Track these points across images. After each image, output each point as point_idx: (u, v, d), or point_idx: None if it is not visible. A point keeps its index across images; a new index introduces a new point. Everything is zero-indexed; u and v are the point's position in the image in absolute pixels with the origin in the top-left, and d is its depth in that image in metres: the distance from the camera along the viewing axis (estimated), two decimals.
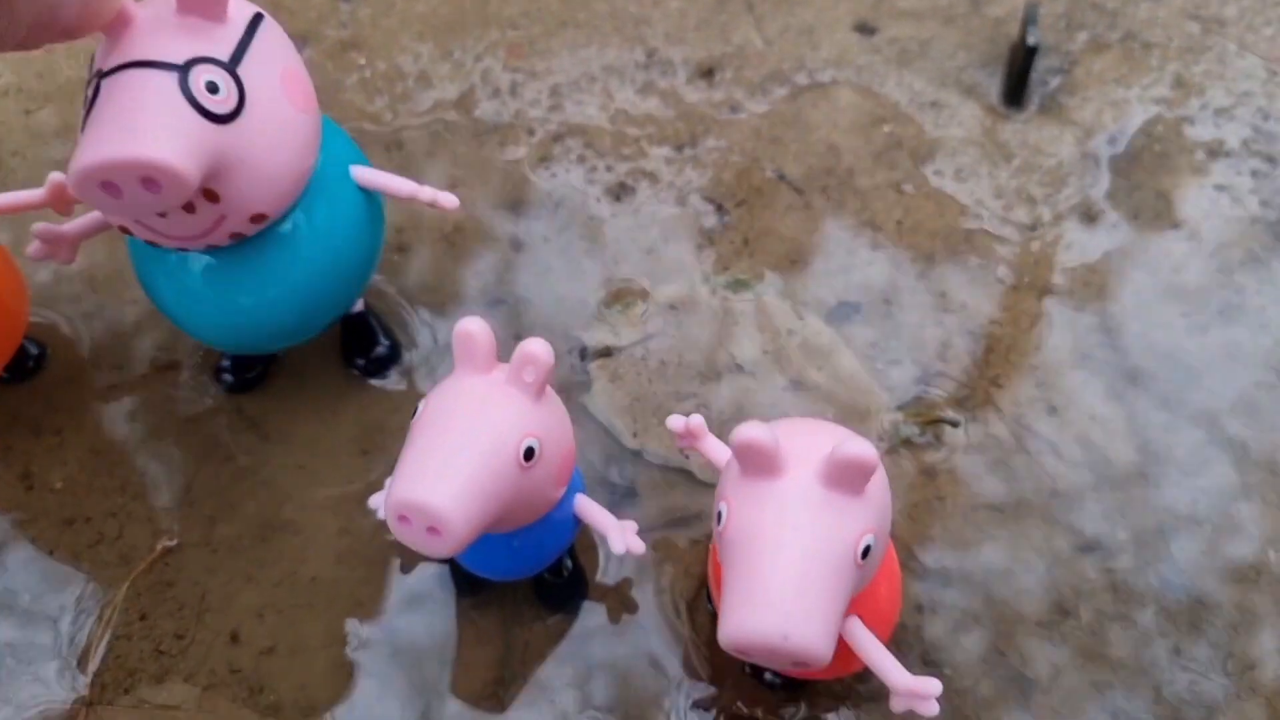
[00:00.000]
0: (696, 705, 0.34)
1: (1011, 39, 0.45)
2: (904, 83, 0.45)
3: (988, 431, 0.38)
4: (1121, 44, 0.46)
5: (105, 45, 0.28)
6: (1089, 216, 0.42)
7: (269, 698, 0.34)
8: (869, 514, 0.26)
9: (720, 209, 0.42)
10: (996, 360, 0.40)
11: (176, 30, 0.28)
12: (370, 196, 0.35)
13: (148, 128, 0.26)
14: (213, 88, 0.28)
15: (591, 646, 0.35)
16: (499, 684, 0.34)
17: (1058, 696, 0.34)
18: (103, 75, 0.27)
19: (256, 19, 0.30)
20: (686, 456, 0.38)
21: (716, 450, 0.32)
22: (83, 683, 0.34)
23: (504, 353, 0.28)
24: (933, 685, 0.27)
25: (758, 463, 0.26)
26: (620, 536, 0.31)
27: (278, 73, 0.30)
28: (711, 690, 0.34)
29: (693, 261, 0.41)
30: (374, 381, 0.39)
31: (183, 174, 0.26)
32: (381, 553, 0.36)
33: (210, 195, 0.29)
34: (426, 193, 0.35)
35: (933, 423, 0.38)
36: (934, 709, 0.27)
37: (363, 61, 0.45)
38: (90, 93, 0.27)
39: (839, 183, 0.43)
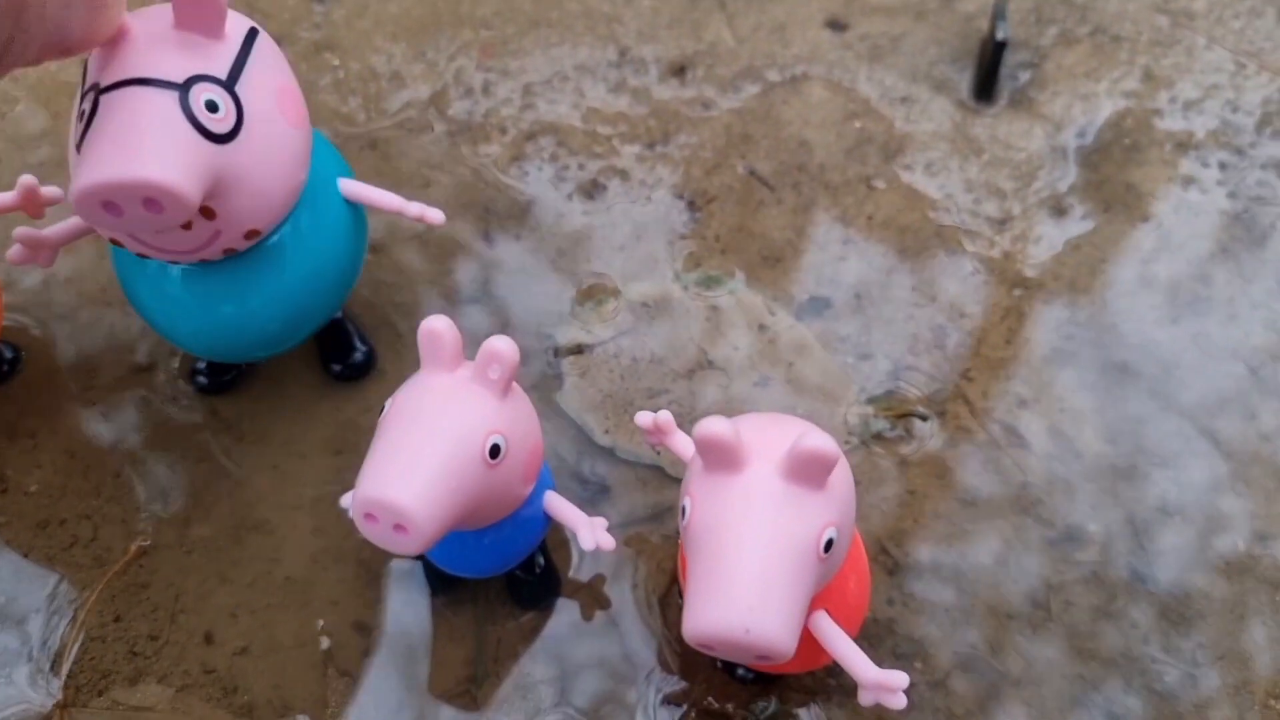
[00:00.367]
0: (668, 700, 0.34)
1: (982, 34, 0.46)
2: (875, 78, 0.45)
3: (960, 425, 0.38)
4: (1091, 38, 0.46)
5: (100, 57, 0.28)
6: (1059, 210, 0.42)
7: (243, 698, 0.34)
8: (831, 507, 0.27)
9: (692, 206, 0.42)
10: (968, 354, 0.40)
11: (174, 46, 0.28)
12: (354, 208, 0.35)
13: (150, 149, 0.26)
14: (212, 106, 0.28)
15: (565, 643, 0.35)
16: (472, 681, 0.34)
17: (1032, 689, 0.34)
18: (101, 91, 0.27)
19: (252, 34, 0.30)
20: (658, 453, 0.38)
21: (685, 446, 0.32)
22: (56, 685, 0.34)
23: (475, 350, 0.28)
24: (900, 678, 0.28)
25: (719, 457, 0.26)
26: (590, 533, 0.31)
27: (273, 90, 0.30)
28: (683, 685, 0.34)
29: (665, 258, 0.41)
30: (345, 380, 0.39)
31: (185, 196, 0.27)
32: (355, 552, 0.36)
33: (207, 213, 0.29)
34: (414, 208, 0.35)
35: (904, 417, 0.38)
36: (901, 701, 0.28)
37: (336, 62, 0.45)
38: (87, 107, 0.27)
39: (810, 179, 0.43)
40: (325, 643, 0.35)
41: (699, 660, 0.34)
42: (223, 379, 0.38)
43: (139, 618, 0.35)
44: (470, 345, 0.28)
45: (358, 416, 0.38)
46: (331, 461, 0.37)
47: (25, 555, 0.36)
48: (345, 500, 0.32)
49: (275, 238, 0.33)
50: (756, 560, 0.25)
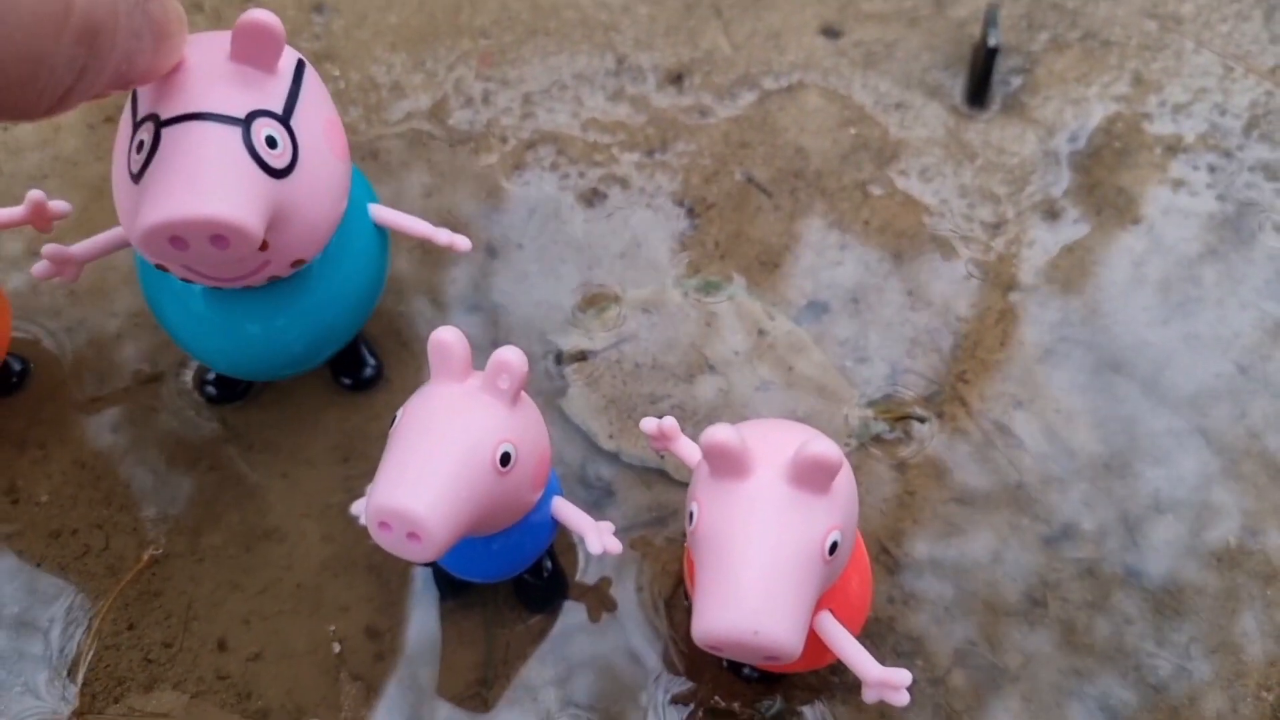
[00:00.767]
0: (676, 700, 0.34)
1: (974, 40, 0.46)
2: (870, 85, 0.46)
3: (957, 426, 0.39)
4: (1081, 43, 0.47)
5: (156, 86, 0.28)
6: (1051, 214, 0.43)
7: (257, 703, 0.34)
8: (835, 511, 0.27)
9: (691, 213, 0.43)
10: (964, 356, 0.40)
11: (232, 80, 0.28)
12: (380, 231, 0.36)
13: (219, 186, 0.27)
14: (271, 142, 0.28)
15: (573, 645, 0.35)
16: (482, 684, 0.35)
17: (1029, 684, 0.35)
18: (162, 123, 0.27)
19: (300, 66, 0.30)
20: (662, 457, 0.38)
21: (689, 451, 0.33)
22: (73, 692, 0.34)
23: (481, 358, 0.29)
24: (902, 676, 0.28)
25: (726, 464, 0.27)
26: (597, 537, 0.32)
27: (323, 123, 0.30)
28: (690, 685, 0.35)
29: (665, 265, 0.42)
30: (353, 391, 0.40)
31: (252, 233, 0.27)
32: (365, 558, 0.37)
33: (261, 245, 0.29)
34: (443, 236, 0.35)
35: (902, 419, 0.39)
36: (904, 699, 0.28)
37: (337, 73, 0.46)
38: (146, 138, 0.27)
39: (807, 185, 0.44)
40: (337, 648, 0.35)
41: (705, 660, 0.35)
42: (234, 390, 0.39)
43: (153, 625, 0.36)
44: (474, 353, 0.29)
45: (365, 425, 0.39)
46: (340, 469, 0.38)
47: (38, 565, 0.36)
48: (355, 508, 0.33)
49: None
50: (763, 564, 0.26)
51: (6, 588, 0.36)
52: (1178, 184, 0.44)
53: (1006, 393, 0.40)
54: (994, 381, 0.40)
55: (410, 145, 0.44)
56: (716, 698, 0.34)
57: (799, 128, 0.45)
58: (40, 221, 0.36)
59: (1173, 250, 0.42)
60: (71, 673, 0.35)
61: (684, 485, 0.38)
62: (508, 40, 0.46)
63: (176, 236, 0.27)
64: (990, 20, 0.44)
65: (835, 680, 0.35)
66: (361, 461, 0.38)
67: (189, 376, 0.40)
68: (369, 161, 0.44)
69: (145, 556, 0.37)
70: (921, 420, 0.39)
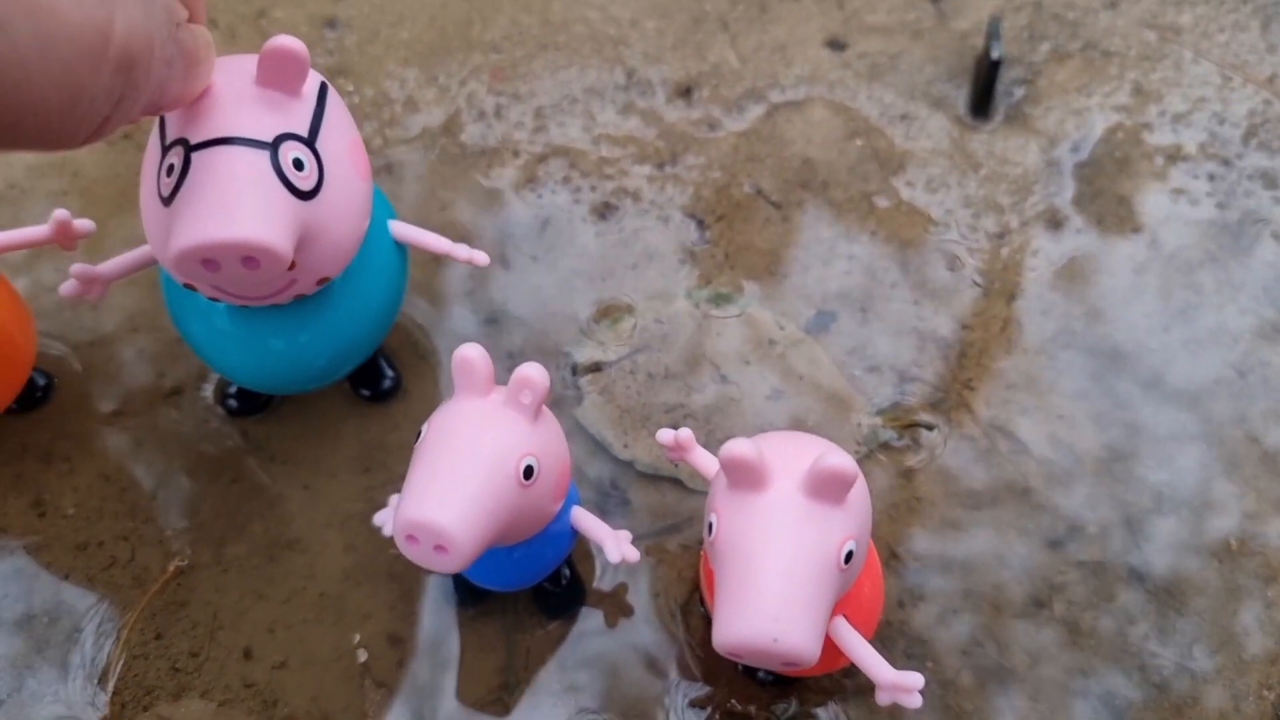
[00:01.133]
0: (693, 704, 0.35)
1: (977, 52, 0.47)
2: (875, 97, 0.47)
3: (963, 432, 0.40)
4: (1082, 54, 0.48)
5: (184, 111, 0.29)
6: (1054, 223, 0.44)
7: (283, 710, 0.35)
8: (850, 522, 0.28)
9: (701, 225, 0.44)
10: (969, 364, 0.41)
11: (259, 104, 0.29)
12: (400, 247, 0.37)
13: (250, 210, 0.27)
14: (298, 164, 0.29)
15: (591, 651, 0.36)
16: (504, 689, 0.36)
17: (1035, 683, 0.36)
18: (192, 148, 0.28)
19: (323, 89, 0.31)
20: (676, 466, 0.39)
21: (704, 461, 0.33)
22: (103, 701, 0.35)
23: (496, 371, 0.30)
24: (915, 679, 0.29)
25: (744, 476, 0.28)
26: (615, 546, 0.32)
27: (346, 144, 0.31)
28: (707, 689, 0.36)
29: (676, 276, 0.43)
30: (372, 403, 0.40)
31: (283, 255, 0.28)
32: (387, 567, 0.37)
33: (289, 264, 0.30)
34: (462, 251, 0.36)
35: (909, 426, 0.40)
36: (917, 701, 0.29)
37: (351, 88, 0.46)
38: (176, 162, 0.28)
39: (814, 196, 0.44)
40: (361, 655, 0.36)
41: (721, 664, 0.36)
42: (255, 402, 0.40)
43: (179, 635, 0.36)
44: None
45: (384, 436, 0.40)
46: (360, 480, 0.39)
47: (66, 576, 0.37)
48: (378, 519, 0.34)
49: None
50: (782, 573, 0.27)
51: (35, 600, 0.37)
52: (1178, 192, 0.45)
53: (1012, 399, 0.41)
54: (999, 388, 0.41)
55: (424, 159, 0.45)
56: (733, 701, 0.35)
57: (806, 140, 0.46)
58: (65, 240, 0.36)
59: (1173, 257, 0.43)
60: (102, 682, 0.35)
61: (697, 493, 0.39)
62: (518, 55, 0.47)
63: (209, 259, 0.27)
64: (993, 33, 0.45)
65: (848, 683, 0.36)
66: (381, 472, 0.39)
67: (210, 390, 0.40)
68: (383, 176, 0.44)
69: (171, 567, 0.37)
70: (929, 427, 0.40)
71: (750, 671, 0.36)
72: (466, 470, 0.28)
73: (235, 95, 0.29)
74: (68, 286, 0.35)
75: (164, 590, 0.37)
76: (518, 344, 0.41)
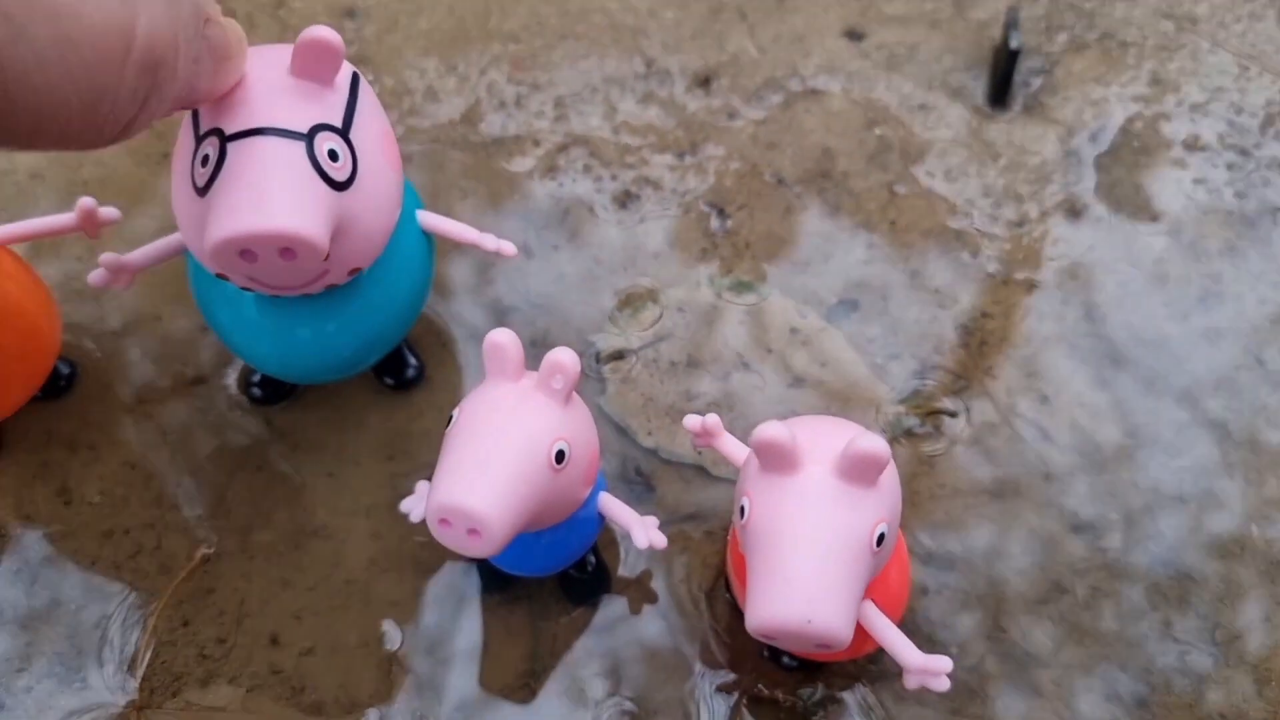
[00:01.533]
0: (719, 690, 0.35)
1: (994, 41, 0.47)
2: (893, 86, 0.47)
3: (983, 420, 0.40)
4: (1099, 44, 0.48)
5: (218, 102, 0.29)
6: (1073, 212, 0.44)
7: (311, 696, 0.35)
8: (882, 504, 0.28)
9: (722, 213, 0.44)
10: (990, 351, 0.41)
11: (294, 94, 0.29)
12: (427, 237, 0.37)
13: (287, 201, 0.27)
14: (333, 155, 0.29)
15: (617, 637, 0.36)
16: (530, 676, 0.36)
17: (1056, 671, 0.36)
18: (227, 138, 0.28)
19: (355, 80, 0.31)
20: (699, 453, 0.39)
21: (731, 447, 0.33)
22: (132, 687, 0.35)
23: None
24: (943, 662, 0.29)
25: (777, 459, 0.28)
26: (643, 532, 0.33)
27: (378, 135, 0.31)
28: (732, 675, 0.36)
29: (698, 265, 0.43)
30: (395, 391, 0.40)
31: (320, 245, 0.28)
32: (412, 554, 0.37)
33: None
34: (490, 241, 0.36)
35: (932, 414, 0.40)
36: (945, 684, 0.29)
37: (370, 78, 0.46)
38: (211, 153, 0.28)
39: (835, 185, 0.44)
40: (388, 642, 0.36)
41: (746, 650, 0.36)
42: (279, 391, 0.40)
43: (207, 622, 0.36)
44: None
45: (408, 424, 0.40)
46: (385, 467, 0.39)
47: (92, 564, 0.37)
48: (405, 506, 0.34)
49: None
50: (816, 555, 0.27)
51: (62, 587, 0.37)
52: (1196, 182, 0.45)
53: (1032, 387, 0.41)
54: (1020, 376, 0.41)
55: (445, 149, 0.45)
56: (759, 686, 0.35)
57: (825, 129, 0.46)
58: (90, 228, 0.37)
59: (1192, 247, 0.43)
60: (130, 668, 0.35)
61: (721, 480, 0.39)
62: (538, 45, 0.47)
63: (247, 250, 0.28)
64: (1011, 23, 0.45)
65: (873, 668, 0.36)
66: (406, 460, 0.39)
67: (233, 379, 0.40)
68: (404, 165, 0.44)
69: (197, 555, 0.37)
70: (952, 415, 0.40)
71: (775, 657, 0.36)
72: (499, 454, 0.28)
73: (270, 86, 0.29)
74: (96, 275, 0.35)
75: (191, 578, 0.37)
76: (540, 332, 0.41)
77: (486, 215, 0.43)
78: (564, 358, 0.29)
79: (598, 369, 0.41)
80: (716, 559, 0.38)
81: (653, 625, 0.37)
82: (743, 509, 0.29)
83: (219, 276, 0.31)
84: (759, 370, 0.41)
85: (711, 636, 0.36)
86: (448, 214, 0.37)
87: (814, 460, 0.28)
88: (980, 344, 0.42)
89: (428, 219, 0.36)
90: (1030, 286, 0.43)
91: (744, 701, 0.35)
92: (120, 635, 0.36)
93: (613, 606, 0.37)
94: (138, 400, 0.40)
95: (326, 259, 0.30)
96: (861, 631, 0.31)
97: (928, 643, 0.36)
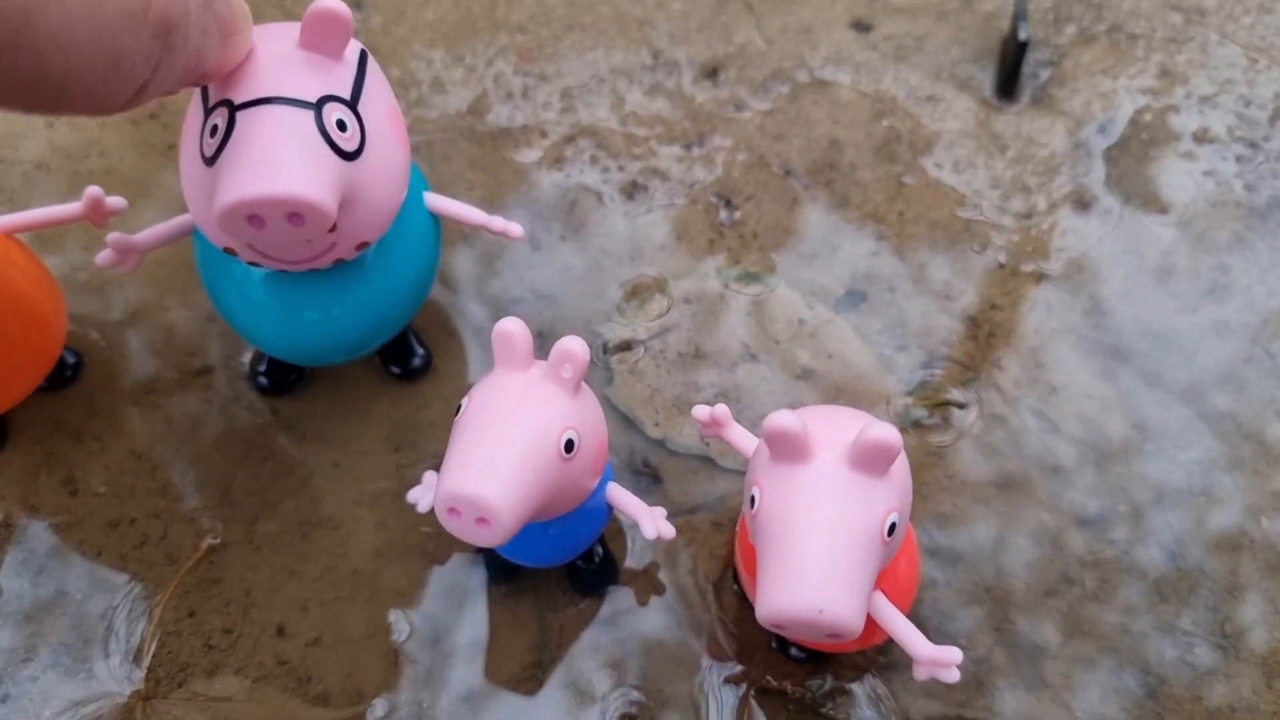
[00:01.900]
0: (727, 681, 0.35)
1: (1002, 33, 0.47)
2: (901, 78, 0.47)
3: (991, 412, 0.40)
4: (1108, 35, 0.48)
5: (227, 75, 0.29)
6: (1082, 204, 0.44)
7: (317, 687, 0.35)
8: (893, 494, 0.28)
9: (729, 205, 0.44)
10: (998, 343, 0.41)
11: (301, 66, 0.29)
12: (434, 220, 0.37)
13: (297, 165, 0.27)
14: (342, 125, 0.29)
15: (624, 629, 0.36)
16: (537, 667, 0.36)
17: (1063, 664, 0.36)
18: (236, 107, 0.28)
19: (364, 56, 0.31)
20: (707, 444, 0.39)
21: (740, 437, 0.33)
22: (138, 676, 0.35)
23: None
24: (953, 654, 0.29)
25: (788, 448, 0.28)
26: (651, 522, 0.33)
27: (386, 110, 0.31)
28: (740, 666, 0.36)
29: (705, 256, 0.43)
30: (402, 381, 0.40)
31: (328, 211, 0.28)
32: (419, 545, 0.37)
33: (330, 226, 0.30)
34: (497, 223, 0.36)
35: (940, 405, 0.40)
36: (955, 676, 0.29)
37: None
38: (220, 122, 0.28)
39: (842, 176, 0.44)
40: (395, 632, 0.36)
41: (754, 641, 0.36)
42: (285, 380, 0.40)
43: (212, 612, 0.36)
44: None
45: (414, 414, 0.40)
46: (391, 458, 0.39)
47: (98, 554, 0.37)
48: (412, 496, 0.34)
49: None
50: (827, 544, 0.27)
51: (68, 577, 0.37)
52: (1205, 174, 0.45)
53: (1040, 379, 0.41)
54: (1028, 368, 0.41)
55: (452, 140, 0.45)
56: (767, 678, 0.35)
57: (832, 120, 0.46)
58: (97, 217, 0.36)
59: (1200, 239, 0.43)
60: (136, 659, 0.35)
61: (729, 472, 0.39)
62: (545, 36, 0.47)
63: (255, 215, 0.28)
64: (1020, 14, 0.45)
65: (882, 659, 0.36)
66: (412, 450, 0.39)
67: (240, 368, 0.40)
68: (411, 156, 0.44)
69: (203, 545, 0.37)
70: (960, 406, 0.40)
71: (784, 648, 0.36)
72: (508, 443, 0.28)
73: (279, 58, 0.29)
74: (104, 256, 0.35)
75: (196, 568, 0.37)
76: (547, 323, 0.41)
77: (493, 206, 0.43)
78: (573, 346, 0.29)
79: (605, 360, 0.41)
80: (724, 550, 0.37)
81: (660, 617, 0.36)
82: (753, 499, 0.29)
83: (226, 251, 0.31)
84: (766, 362, 0.41)
85: (719, 628, 0.36)
86: (493, 215, 0.37)
87: (825, 449, 0.28)
88: (988, 336, 0.41)
89: (435, 201, 0.36)
90: (1038, 278, 0.42)
91: (752, 693, 0.35)
92: (126, 625, 0.36)
93: (620, 598, 0.37)
94: (143, 390, 0.40)
95: (334, 230, 0.30)
96: (871, 622, 0.30)
97: (935, 635, 0.36)
